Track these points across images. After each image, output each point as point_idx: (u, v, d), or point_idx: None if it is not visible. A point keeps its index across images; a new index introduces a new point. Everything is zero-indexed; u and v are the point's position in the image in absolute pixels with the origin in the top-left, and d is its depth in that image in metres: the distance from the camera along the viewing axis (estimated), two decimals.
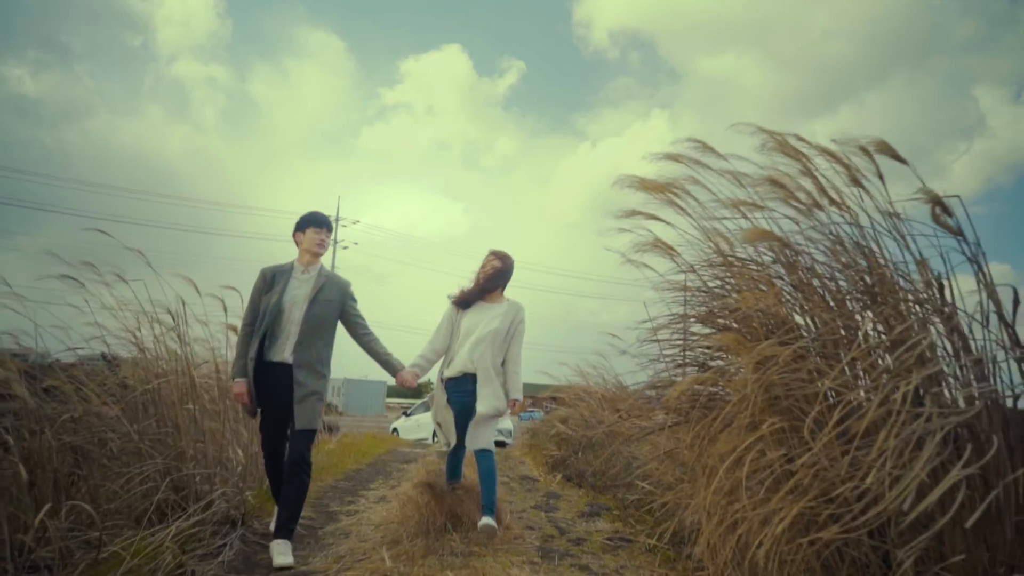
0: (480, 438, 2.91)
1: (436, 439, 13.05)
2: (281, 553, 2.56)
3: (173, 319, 3.36)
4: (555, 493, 4.56)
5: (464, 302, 3.14)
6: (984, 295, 1.73)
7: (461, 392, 3.00)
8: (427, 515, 2.99)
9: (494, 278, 3.10)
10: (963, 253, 1.56)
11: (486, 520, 2.74)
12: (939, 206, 1.50)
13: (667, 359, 2.30)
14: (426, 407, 15.19)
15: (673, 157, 2.18)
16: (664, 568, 2.52)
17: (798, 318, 1.83)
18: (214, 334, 3.83)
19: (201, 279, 3.61)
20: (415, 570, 2.40)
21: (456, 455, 3.17)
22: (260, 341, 2.78)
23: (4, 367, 3.05)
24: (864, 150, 1.63)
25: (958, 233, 1.54)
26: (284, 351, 2.77)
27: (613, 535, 3.12)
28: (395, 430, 15.07)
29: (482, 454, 2.88)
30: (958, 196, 1.52)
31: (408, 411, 16.28)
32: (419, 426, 14.31)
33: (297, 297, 2.83)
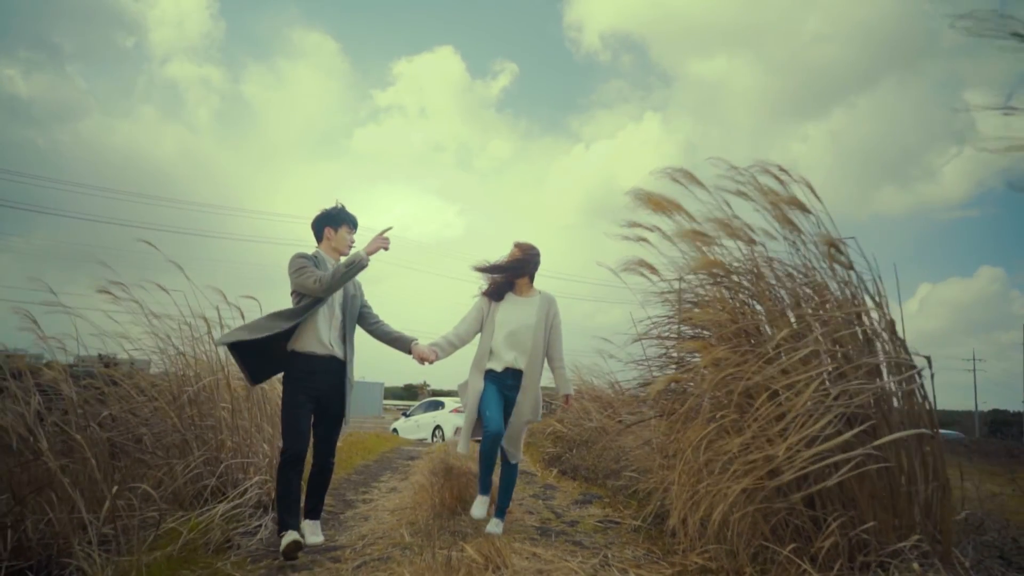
0: (517, 451, 3.03)
1: (435, 439, 13.41)
2: (313, 533, 2.92)
3: (208, 325, 3.73)
4: (551, 485, 4.95)
5: (494, 293, 3.09)
6: (881, 317, 2.15)
7: (500, 386, 3.01)
8: (438, 500, 3.37)
9: (512, 266, 3.06)
10: (847, 285, 1.97)
11: (495, 526, 2.96)
12: (833, 248, 1.90)
13: (651, 360, 2.71)
14: (425, 408, 15.57)
15: (670, 175, 2.58)
16: (647, 543, 2.92)
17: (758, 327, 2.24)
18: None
19: (198, 281, 3.86)
20: (431, 544, 2.78)
21: (490, 458, 2.98)
22: (290, 329, 2.74)
23: (53, 369, 3.45)
24: (782, 202, 2.04)
25: (849, 267, 1.95)
26: (331, 345, 2.81)
27: (603, 518, 3.51)
28: (395, 430, 15.43)
29: (513, 466, 3.05)
30: (854, 237, 1.94)
31: (407, 412, 16.67)
32: (418, 426, 14.68)
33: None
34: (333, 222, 2.92)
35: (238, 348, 2.76)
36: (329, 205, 2.98)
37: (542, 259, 3.14)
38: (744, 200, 2.25)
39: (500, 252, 3.21)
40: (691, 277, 2.72)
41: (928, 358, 1.93)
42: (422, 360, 2.94)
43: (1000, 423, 38.89)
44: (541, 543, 2.89)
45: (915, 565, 1.76)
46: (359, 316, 3.02)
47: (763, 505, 2.14)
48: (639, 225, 2.69)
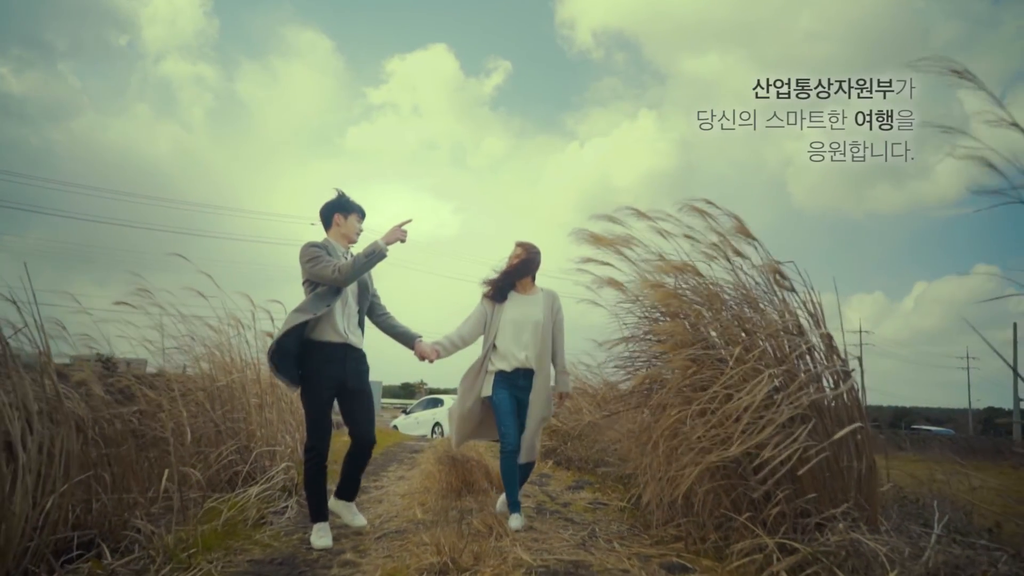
0: (533, 450, 3.11)
1: (434, 435, 13.81)
2: (353, 514, 3.00)
3: (240, 327, 4.13)
4: (547, 474, 5.35)
5: (497, 294, 3.14)
6: (817, 333, 2.55)
7: (512, 388, 3.06)
8: (446, 484, 3.77)
9: (518, 267, 3.12)
10: (787, 310, 2.37)
11: (517, 520, 2.96)
12: (777, 273, 2.30)
13: (629, 359, 3.12)
14: (425, 405, 15.98)
15: (612, 219, 2.99)
16: (630, 520, 3.32)
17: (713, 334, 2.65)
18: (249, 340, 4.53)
19: (195, 283, 4.17)
20: (442, 519, 3.18)
21: (513, 474, 3.02)
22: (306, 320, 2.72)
23: (83, 370, 3.82)
24: (721, 235, 2.45)
25: (791, 290, 2.35)
26: (347, 334, 2.82)
27: (593, 501, 3.91)
28: (395, 427, 15.84)
29: (526, 465, 3.15)
30: (792, 261, 2.34)
31: (408, 409, 17.10)
32: (419, 423, 15.09)
33: None
34: (343, 209, 2.93)
35: (279, 356, 2.75)
36: (328, 199, 2.95)
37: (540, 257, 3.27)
38: (688, 240, 2.67)
39: (496, 251, 3.62)
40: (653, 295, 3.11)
41: (860, 359, 2.34)
42: (423, 358, 3.01)
43: (995, 421, 39.49)
44: (537, 520, 3.29)
45: (841, 526, 2.16)
46: (370, 307, 3.05)
47: (724, 482, 2.55)
48: (593, 260, 3.08)
